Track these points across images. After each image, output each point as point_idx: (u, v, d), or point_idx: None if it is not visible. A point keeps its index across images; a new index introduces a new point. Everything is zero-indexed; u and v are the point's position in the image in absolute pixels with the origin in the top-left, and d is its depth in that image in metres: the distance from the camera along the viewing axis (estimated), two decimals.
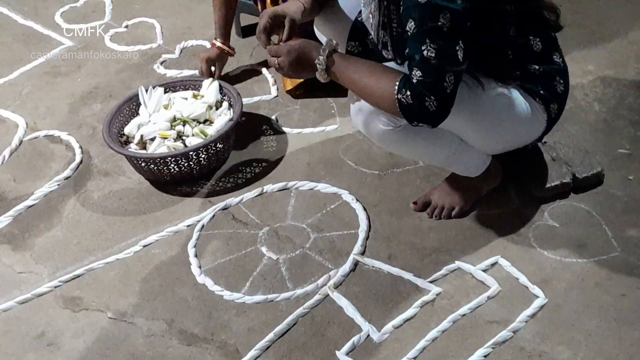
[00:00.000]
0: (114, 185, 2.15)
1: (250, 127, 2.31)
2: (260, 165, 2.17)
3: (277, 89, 2.47)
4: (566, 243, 1.81)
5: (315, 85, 2.21)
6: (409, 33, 1.50)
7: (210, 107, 2.20)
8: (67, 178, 2.18)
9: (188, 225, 1.97)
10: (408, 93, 1.49)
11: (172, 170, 2.06)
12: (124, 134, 2.18)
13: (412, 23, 1.49)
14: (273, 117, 2.35)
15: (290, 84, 2.39)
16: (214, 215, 2.00)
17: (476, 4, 1.49)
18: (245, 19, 2.70)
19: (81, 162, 2.24)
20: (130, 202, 2.08)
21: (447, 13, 1.45)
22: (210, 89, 2.25)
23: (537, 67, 1.71)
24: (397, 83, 1.51)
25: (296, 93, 2.42)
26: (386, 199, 1.99)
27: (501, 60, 1.65)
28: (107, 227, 2.00)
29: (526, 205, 1.92)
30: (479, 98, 1.66)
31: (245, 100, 2.24)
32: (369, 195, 2.01)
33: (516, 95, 1.70)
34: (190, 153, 2.04)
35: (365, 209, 1.96)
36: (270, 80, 2.51)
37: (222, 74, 2.47)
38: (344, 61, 1.61)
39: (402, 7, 1.54)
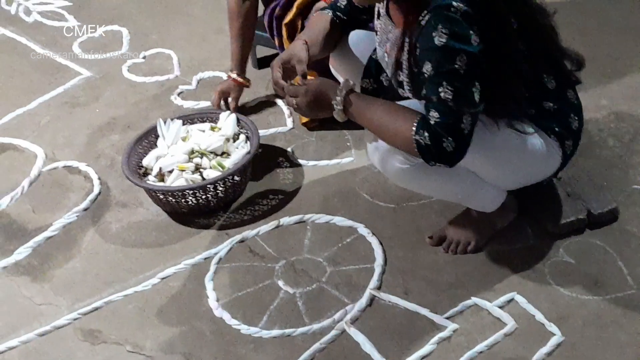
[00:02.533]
0: (132, 217, 2.17)
1: (266, 158, 2.33)
2: (276, 197, 2.19)
3: (293, 121, 2.49)
4: (582, 280, 1.81)
5: (330, 118, 2.23)
6: (426, 75, 1.52)
7: (227, 140, 2.23)
8: (85, 209, 2.20)
9: (206, 258, 1.99)
10: (426, 134, 1.51)
11: (190, 202, 2.08)
12: (142, 166, 2.21)
13: (429, 65, 1.51)
14: (289, 149, 2.37)
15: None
16: (231, 248, 2.01)
17: (490, 45, 1.51)
18: (262, 51, 2.73)
19: (99, 193, 2.25)
20: (148, 234, 2.10)
21: (463, 56, 1.48)
22: (227, 121, 2.27)
23: (551, 104, 1.73)
24: (415, 124, 1.53)
25: (311, 125, 2.44)
26: (402, 232, 2.00)
27: (516, 99, 1.66)
28: (126, 259, 2.02)
29: (541, 241, 1.92)
30: (494, 136, 1.67)
31: (261, 132, 2.26)
32: (385, 228, 2.02)
33: (531, 132, 1.72)
34: (208, 185, 2.07)
35: (381, 243, 1.97)
36: (286, 112, 2.53)
37: (238, 105, 2.50)
38: (361, 102, 1.64)
39: (418, 50, 1.56)
